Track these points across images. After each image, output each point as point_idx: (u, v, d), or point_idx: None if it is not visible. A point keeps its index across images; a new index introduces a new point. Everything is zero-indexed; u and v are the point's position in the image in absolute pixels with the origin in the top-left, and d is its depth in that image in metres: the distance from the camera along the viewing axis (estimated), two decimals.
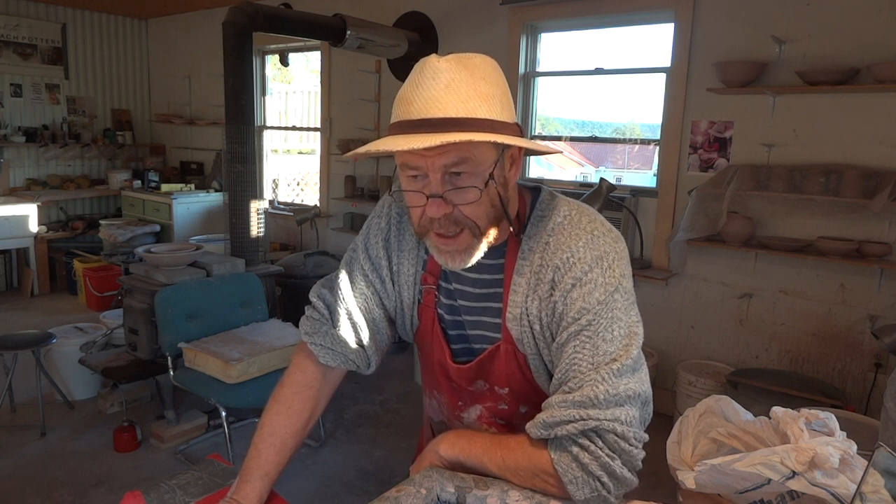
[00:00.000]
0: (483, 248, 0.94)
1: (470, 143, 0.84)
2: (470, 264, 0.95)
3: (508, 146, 0.91)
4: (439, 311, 1.07)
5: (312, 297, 1.14)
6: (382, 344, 1.14)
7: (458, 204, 0.90)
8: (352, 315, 1.09)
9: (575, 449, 0.88)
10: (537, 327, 0.97)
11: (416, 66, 0.88)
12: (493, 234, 0.95)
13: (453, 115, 0.84)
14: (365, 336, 1.11)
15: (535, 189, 1.04)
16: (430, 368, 1.14)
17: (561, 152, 1.04)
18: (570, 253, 0.93)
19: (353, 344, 1.10)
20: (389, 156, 0.99)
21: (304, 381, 1.11)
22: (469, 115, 0.84)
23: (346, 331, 1.10)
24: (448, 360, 1.07)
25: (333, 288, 1.12)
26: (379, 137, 4.61)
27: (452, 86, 0.85)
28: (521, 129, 0.93)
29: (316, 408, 1.12)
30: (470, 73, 0.86)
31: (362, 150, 0.91)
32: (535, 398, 1.02)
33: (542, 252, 0.96)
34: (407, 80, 0.89)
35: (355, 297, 1.10)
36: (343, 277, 1.11)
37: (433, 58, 0.88)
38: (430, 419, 1.24)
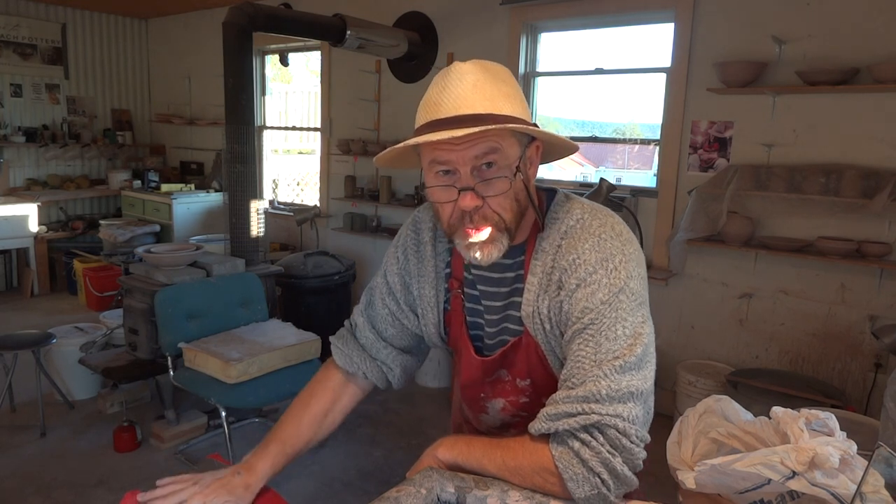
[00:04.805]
0: (506, 243, 0.98)
1: (498, 134, 0.90)
2: (495, 258, 0.98)
3: (529, 143, 0.97)
4: (464, 313, 1.13)
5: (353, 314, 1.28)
6: (395, 356, 1.21)
7: (487, 196, 0.93)
8: (363, 329, 1.21)
9: (576, 444, 0.89)
10: (548, 326, 1.00)
11: (440, 73, 0.95)
12: (514, 229, 0.99)
13: (481, 112, 0.89)
14: (374, 348, 1.20)
15: (551, 191, 1.08)
16: (459, 367, 1.19)
17: (578, 147, 1.05)
18: (576, 255, 0.96)
19: (363, 353, 1.21)
20: (403, 166, 1.07)
21: (327, 375, 1.22)
22: (496, 112, 0.90)
23: (359, 339, 1.22)
24: (472, 354, 1.13)
25: (358, 307, 1.25)
26: (379, 137, 4.56)
27: (478, 85, 0.91)
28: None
29: (336, 399, 1.20)
30: (493, 76, 0.93)
31: (399, 146, 0.95)
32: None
33: (555, 254, 1.00)
34: (431, 86, 0.95)
35: (368, 314, 1.22)
36: (364, 298, 1.25)
37: (457, 63, 0.94)
38: (460, 421, 1.29)
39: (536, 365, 1.05)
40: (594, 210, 1.02)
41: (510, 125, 0.89)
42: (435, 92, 0.93)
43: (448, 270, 1.14)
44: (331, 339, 1.25)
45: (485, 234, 0.95)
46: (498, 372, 1.11)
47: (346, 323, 1.27)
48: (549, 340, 1.01)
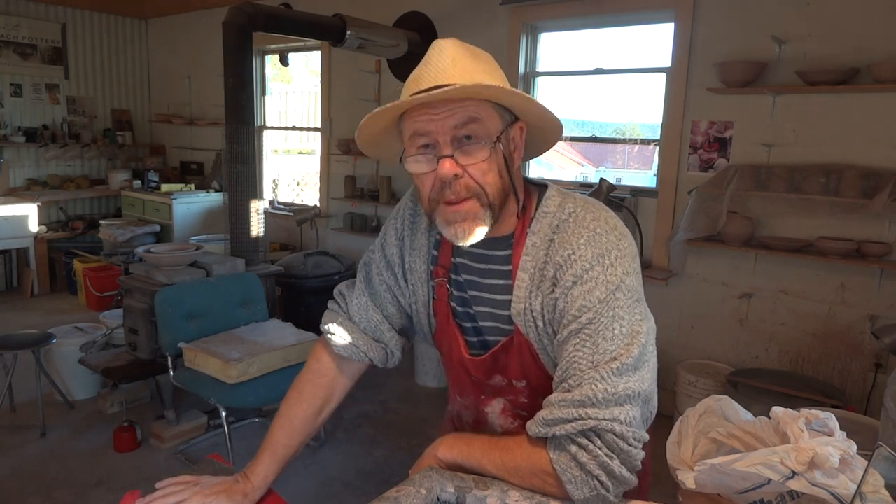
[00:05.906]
0: (489, 222, 0.95)
1: (477, 104, 0.90)
2: (478, 238, 0.95)
3: (512, 123, 0.96)
4: (452, 304, 1.09)
5: (335, 292, 1.21)
6: (397, 340, 1.18)
7: (467, 165, 0.91)
8: (365, 310, 1.15)
9: (573, 448, 0.88)
10: (540, 323, 0.98)
11: (425, 54, 0.95)
12: (498, 207, 0.95)
13: (460, 83, 0.88)
14: (378, 330, 1.16)
15: (543, 185, 1.06)
16: (452, 367, 1.15)
17: (562, 126, 1.04)
18: (572, 250, 0.94)
19: (365, 336, 1.16)
20: (387, 152, 1.06)
21: (318, 370, 1.17)
22: (475, 83, 0.89)
23: (359, 324, 1.16)
24: (464, 352, 1.09)
25: (351, 284, 1.20)
26: None
27: (458, 60, 0.92)
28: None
29: (329, 396, 1.17)
30: (471, 53, 0.94)
31: (377, 110, 0.94)
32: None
33: (547, 249, 0.97)
34: (417, 66, 0.95)
35: (370, 292, 1.16)
36: (360, 275, 1.19)
37: (438, 40, 0.95)
38: (454, 425, 1.24)
39: (530, 364, 1.03)
40: (587, 204, 0.99)
41: (487, 90, 0.88)
42: (418, 69, 0.94)
43: (435, 253, 1.09)
44: (324, 327, 1.18)
45: (465, 207, 0.92)
46: (494, 377, 1.08)
47: (333, 306, 1.21)
48: (542, 339, 0.99)
